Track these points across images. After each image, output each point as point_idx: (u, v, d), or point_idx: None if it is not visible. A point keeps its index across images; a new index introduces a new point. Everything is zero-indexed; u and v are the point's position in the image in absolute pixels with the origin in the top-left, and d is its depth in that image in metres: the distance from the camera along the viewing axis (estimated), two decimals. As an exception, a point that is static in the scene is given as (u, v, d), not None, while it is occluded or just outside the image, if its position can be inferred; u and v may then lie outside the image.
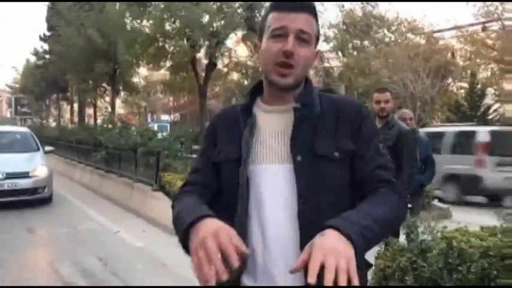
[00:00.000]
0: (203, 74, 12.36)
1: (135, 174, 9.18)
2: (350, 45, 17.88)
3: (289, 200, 1.34)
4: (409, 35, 26.19)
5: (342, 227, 1.14)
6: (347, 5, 17.53)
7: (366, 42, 22.34)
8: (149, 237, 6.71)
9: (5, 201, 8.52)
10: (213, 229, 1.16)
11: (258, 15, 10.29)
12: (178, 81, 12.94)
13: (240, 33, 11.12)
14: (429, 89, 23.21)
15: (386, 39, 26.41)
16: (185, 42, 11.55)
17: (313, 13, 1.41)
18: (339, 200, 1.36)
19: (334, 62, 9.20)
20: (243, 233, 1.32)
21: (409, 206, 4.01)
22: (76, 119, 25.19)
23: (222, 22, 10.25)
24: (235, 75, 13.01)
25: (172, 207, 1.44)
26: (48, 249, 6.24)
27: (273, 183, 1.36)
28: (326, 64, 8.00)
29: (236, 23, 9.77)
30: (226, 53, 10.66)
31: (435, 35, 26.38)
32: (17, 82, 38.61)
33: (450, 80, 26.09)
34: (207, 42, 11.68)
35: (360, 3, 8.16)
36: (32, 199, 8.80)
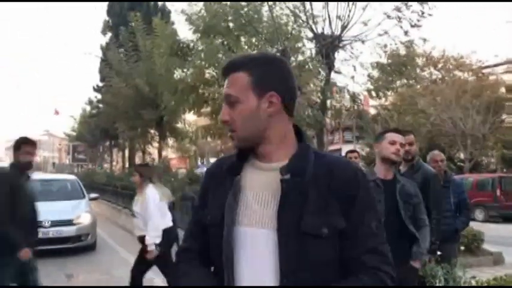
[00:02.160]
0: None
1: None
2: (395, 84, 17.61)
3: (269, 274, 1.28)
4: (457, 72, 25.57)
5: None
6: (390, 45, 17.40)
7: (412, 81, 21.97)
8: None
9: (50, 248, 8.77)
10: None
11: (294, 58, 10.37)
12: (220, 126, 13.18)
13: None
14: (480, 126, 22.34)
15: (434, 77, 25.91)
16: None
17: (238, 69, 1.36)
18: (323, 276, 1.28)
19: (372, 102, 9.15)
20: None
21: (439, 253, 3.84)
22: (127, 165, 25.99)
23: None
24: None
25: (171, 275, 1.44)
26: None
27: (252, 248, 1.31)
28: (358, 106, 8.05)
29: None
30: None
31: (484, 70, 25.63)
32: (74, 130, 40.62)
33: (504, 115, 25.02)
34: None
35: (400, 42, 8.13)
36: (76, 246, 8.95)
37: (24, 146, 4.29)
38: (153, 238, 5.05)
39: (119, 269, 7.79)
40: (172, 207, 5.81)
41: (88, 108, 30.64)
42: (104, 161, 35.89)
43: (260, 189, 1.35)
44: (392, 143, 3.28)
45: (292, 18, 9.42)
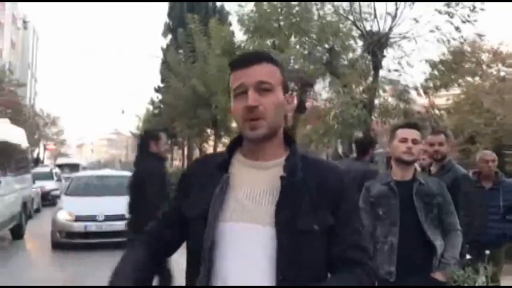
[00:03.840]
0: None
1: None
2: (456, 82, 16.82)
3: (263, 270, 1.30)
4: (527, 68, 23.97)
5: None
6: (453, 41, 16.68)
7: (477, 78, 20.92)
8: None
9: (103, 242, 9.25)
10: None
11: (345, 56, 10.25)
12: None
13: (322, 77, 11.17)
14: (552, 126, 20.82)
15: (502, 74, 24.47)
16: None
17: (272, 61, 1.42)
18: (316, 274, 1.33)
19: (421, 101, 8.82)
20: None
21: (468, 257, 3.52)
22: (186, 162, 26.72)
23: (311, 67, 10.37)
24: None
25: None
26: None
27: (243, 244, 1.33)
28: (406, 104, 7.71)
29: (322, 69, 9.85)
30: (311, 97, 10.76)
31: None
32: (139, 129, 42.32)
33: None
34: (295, 87, 11.91)
35: (453, 39, 7.76)
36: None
37: (163, 136, 4.45)
38: None
39: (168, 263, 8.05)
40: None
41: (151, 108, 31.81)
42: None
43: (252, 186, 1.38)
44: (403, 140, 2.95)
45: (341, 17, 9.28)
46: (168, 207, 1.56)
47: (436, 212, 2.94)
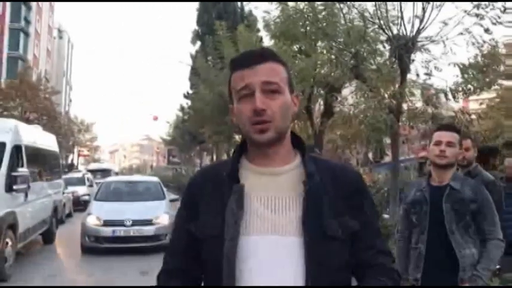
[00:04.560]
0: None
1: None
2: (492, 85, 16.38)
3: (293, 282, 1.23)
4: None
5: None
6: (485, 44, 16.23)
7: (512, 81, 20.27)
8: None
9: (130, 246, 9.37)
10: None
11: (373, 61, 10.11)
12: (297, 130, 13.22)
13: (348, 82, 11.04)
14: None
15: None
16: (301, 94, 11.85)
17: (277, 59, 1.35)
18: (341, 280, 1.30)
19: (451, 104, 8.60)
20: None
21: (497, 266, 3.32)
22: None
23: (337, 72, 10.28)
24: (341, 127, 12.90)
25: None
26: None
27: (267, 256, 1.24)
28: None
29: (348, 73, 9.75)
30: (339, 103, 10.64)
31: None
32: (169, 135, 42.94)
33: None
34: (322, 92, 11.81)
35: (483, 41, 7.49)
36: (155, 246, 9.35)
37: None
38: None
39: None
40: None
41: (180, 114, 32.22)
42: (195, 165, 37.43)
43: (268, 194, 1.30)
44: (437, 143, 2.83)
45: (367, 21, 9.15)
46: (175, 232, 1.45)
47: (469, 219, 2.77)
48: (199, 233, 1.32)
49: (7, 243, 7.53)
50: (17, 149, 8.49)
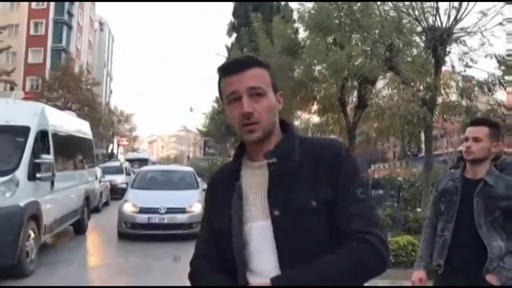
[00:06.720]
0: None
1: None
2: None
3: (271, 263, 1.39)
4: None
5: (276, 282, 1.31)
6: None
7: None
8: None
9: (164, 233, 9.65)
10: None
11: (409, 53, 9.99)
12: (330, 123, 13.19)
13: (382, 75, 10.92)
14: None
15: None
16: (334, 86, 11.81)
17: (260, 65, 1.50)
18: (319, 248, 1.38)
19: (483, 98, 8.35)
20: None
21: None
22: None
23: (371, 63, 10.20)
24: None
25: (192, 279, 1.52)
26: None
27: (258, 241, 1.42)
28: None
29: (382, 65, 9.66)
30: (372, 95, 10.53)
31: None
32: (205, 126, 43.39)
33: None
34: (355, 84, 11.75)
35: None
36: (188, 233, 9.56)
37: None
38: None
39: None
40: None
41: (216, 105, 32.52)
42: (229, 155, 37.73)
43: (259, 185, 1.45)
44: (465, 139, 2.89)
45: (402, 13, 9.02)
46: (202, 222, 1.65)
47: (499, 215, 2.77)
48: (215, 224, 1.51)
49: (29, 235, 6.82)
50: (42, 134, 7.84)
